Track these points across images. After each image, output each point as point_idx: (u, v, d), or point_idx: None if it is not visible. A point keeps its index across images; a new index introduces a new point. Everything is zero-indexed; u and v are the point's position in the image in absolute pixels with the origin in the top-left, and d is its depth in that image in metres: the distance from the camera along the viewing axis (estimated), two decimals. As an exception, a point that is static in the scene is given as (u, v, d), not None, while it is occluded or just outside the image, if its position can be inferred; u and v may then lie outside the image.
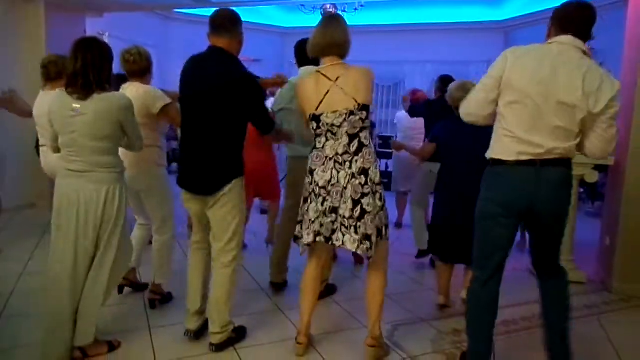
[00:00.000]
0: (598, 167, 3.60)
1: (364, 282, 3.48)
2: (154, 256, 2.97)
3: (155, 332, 2.66)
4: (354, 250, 2.23)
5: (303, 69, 3.08)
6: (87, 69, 2.15)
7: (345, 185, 2.21)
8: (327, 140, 2.27)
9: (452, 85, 2.95)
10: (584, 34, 2.00)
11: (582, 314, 3.07)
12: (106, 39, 6.75)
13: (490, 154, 2.09)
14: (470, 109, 2.13)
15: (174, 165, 8.66)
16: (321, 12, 7.56)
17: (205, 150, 2.32)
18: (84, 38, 2.27)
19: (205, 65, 2.31)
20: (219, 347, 2.45)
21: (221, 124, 2.29)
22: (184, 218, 4.81)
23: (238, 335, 2.56)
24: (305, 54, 3.04)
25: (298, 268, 3.37)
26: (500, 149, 2.03)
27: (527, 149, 1.96)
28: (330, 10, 7.28)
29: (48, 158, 3.21)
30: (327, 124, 2.25)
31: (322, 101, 2.24)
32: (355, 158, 2.23)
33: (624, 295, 3.36)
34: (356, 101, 2.21)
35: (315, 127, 2.30)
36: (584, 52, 1.98)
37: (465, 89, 2.81)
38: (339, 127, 2.23)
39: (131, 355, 2.42)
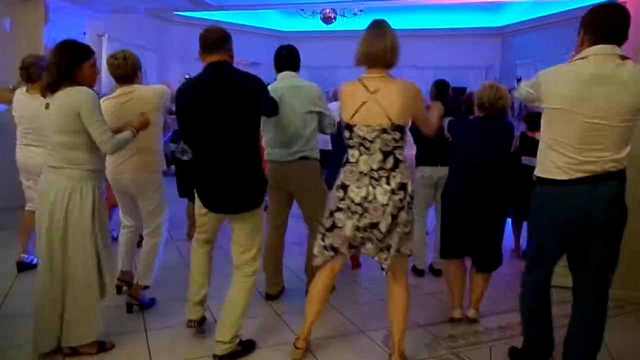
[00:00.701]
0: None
1: (364, 287, 3.49)
2: (142, 257, 2.94)
3: (151, 334, 2.65)
4: (374, 255, 2.24)
5: (280, 74, 3.10)
6: (50, 69, 2.26)
7: (386, 203, 2.15)
8: (360, 154, 2.22)
9: (484, 84, 2.90)
10: (619, 38, 1.93)
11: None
12: (105, 41, 6.76)
13: (539, 172, 2.07)
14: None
15: (172, 167, 8.64)
16: (320, 17, 7.59)
17: (242, 165, 2.28)
18: (58, 42, 2.34)
19: (216, 80, 2.26)
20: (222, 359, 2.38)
21: (244, 134, 2.27)
22: (184, 218, 4.82)
23: (244, 348, 2.49)
24: (282, 60, 3.09)
25: (297, 272, 3.38)
26: (551, 167, 2.00)
27: (579, 166, 1.93)
28: (330, 14, 7.30)
29: (19, 154, 3.38)
30: (359, 136, 2.19)
31: (356, 112, 2.19)
32: (393, 174, 2.18)
33: (620, 301, 3.36)
34: (390, 120, 2.14)
35: (347, 137, 2.25)
36: (622, 57, 1.91)
37: (497, 89, 2.80)
38: (372, 142, 2.17)
39: (127, 357, 2.41)
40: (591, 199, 1.95)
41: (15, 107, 3.38)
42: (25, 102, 3.29)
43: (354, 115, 2.20)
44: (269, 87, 3.03)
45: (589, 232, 2.02)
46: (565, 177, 1.96)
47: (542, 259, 2.19)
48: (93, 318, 2.36)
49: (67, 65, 2.24)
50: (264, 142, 3.14)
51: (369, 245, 2.25)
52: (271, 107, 2.68)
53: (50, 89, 2.25)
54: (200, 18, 7.97)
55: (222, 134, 2.24)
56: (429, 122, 2.40)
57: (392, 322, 2.36)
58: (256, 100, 2.30)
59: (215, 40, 2.30)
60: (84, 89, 2.27)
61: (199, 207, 2.46)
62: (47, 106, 2.28)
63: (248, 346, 2.52)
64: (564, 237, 2.07)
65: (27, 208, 3.54)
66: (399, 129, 2.17)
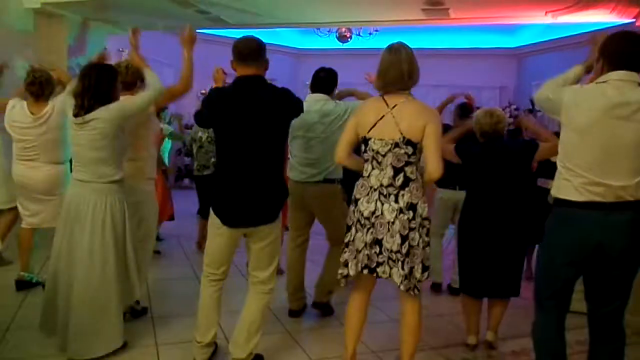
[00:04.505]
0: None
1: (377, 307, 3.43)
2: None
3: (162, 349, 2.65)
4: (398, 284, 2.16)
5: (310, 96, 3.14)
6: (84, 92, 2.43)
7: (392, 220, 2.14)
8: (372, 169, 2.22)
9: (479, 112, 2.89)
10: (638, 66, 1.94)
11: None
12: (125, 56, 6.89)
13: (555, 192, 2.03)
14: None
15: (186, 180, 8.74)
16: (336, 36, 7.68)
17: (265, 178, 2.30)
18: (85, 66, 2.58)
19: (253, 93, 2.27)
20: None
21: (275, 147, 2.32)
22: (193, 235, 4.83)
23: None
24: (318, 82, 3.15)
25: (310, 290, 3.35)
26: (567, 187, 1.96)
27: (594, 188, 1.90)
28: (346, 33, 7.38)
29: (24, 171, 3.30)
30: (373, 150, 2.20)
31: (374, 125, 2.19)
32: (402, 192, 2.16)
33: (637, 328, 3.28)
34: (401, 134, 2.14)
35: (363, 151, 2.26)
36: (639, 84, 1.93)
37: (495, 116, 2.80)
38: (384, 156, 2.18)
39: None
40: (603, 227, 1.91)
41: (13, 121, 3.26)
42: (26, 118, 3.22)
43: (371, 129, 2.20)
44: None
45: (605, 263, 1.96)
46: (579, 198, 1.93)
47: (555, 293, 2.06)
48: (100, 330, 2.41)
49: (106, 88, 2.45)
50: (290, 157, 3.20)
51: (385, 268, 2.19)
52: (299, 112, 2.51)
53: (84, 111, 2.41)
54: (218, 35, 8.12)
55: (254, 148, 2.26)
56: (433, 154, 2.15)
57: (402, 343, 2.33)
58: (289, 116, 2.36)
59: (248, 50, 2.29)
60: (112, 105, 2.45)
61: (214, 227, 2.36)
62: (81, 125, 2.41)
63: None
64: (578, 262, 2.00)
65: (23, 226, 3.44)
66: (411, 144, 2.15)
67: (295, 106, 2.39)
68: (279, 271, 3.89)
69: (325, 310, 3.23)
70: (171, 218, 4.89)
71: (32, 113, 3.22)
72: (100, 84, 2.43)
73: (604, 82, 1.95)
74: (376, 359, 2.70)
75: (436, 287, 3.88)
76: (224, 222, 2.32)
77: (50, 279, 2.51)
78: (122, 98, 2.82)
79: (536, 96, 2.16)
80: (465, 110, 3.94)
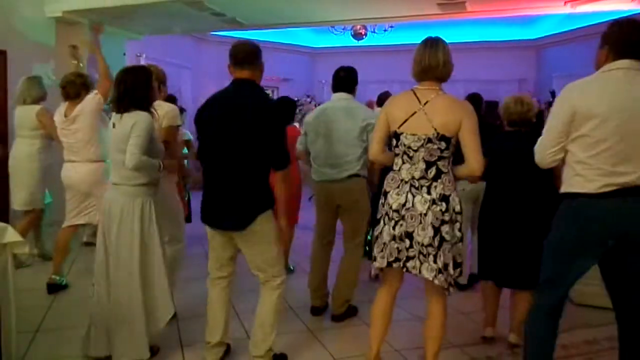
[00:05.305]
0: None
1: (397, 305, 3.39)
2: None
3: (187, 350, 2.68)
4: (431, 279, 2.14)
5: (335, 95, 3.15)
6: (124, 93, 2.45)
7: (424, 212, 2.13)
8: (403, 162, 2.22)
9: (509, 99, 2.83)
10: None
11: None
12: (143, 60, 7.00)
13: (566, 188, 1.98)
14: (543, 157, 2.04)
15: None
16: (351, 33, 7.66)
17: (236, 183, 2.27)
18: (126, 68, 2.58)
19: (237, 96, 2.30)
20: None
21: (252, 154, 2.25)
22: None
23: None
24: (338, 82, 3.14)
25: (331, 289, 3.35)
26: (580, 181, 1.92)
27: (611, 179, 1.86)
28: (360, 31, 7.36)
29: (67, 171, 3.46)
30: (404, 145, 2.19)
31: (406, 121, 2.19)
32: (434, 184, 2.15)
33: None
34: (435, 130, 2.13)
35: (394, 145, 2.26)
36: None
37: (525, 103, 2.75)
38: (416, 151, 2.17)
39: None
40: (622, 214, 1.87)
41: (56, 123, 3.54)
42: (61, 120, 3.47)
43: (402, 124, 2.20)
44: (321, 106, 3.17)
45: (626, 249, 1.93)
46: (594, 190, 1.88)
47: (559, 280, 2.05)
48: (139, 332, 2.43)
49: (142, 92, 2.45)
50: (312, 161, 3.20)
51: (415, 263, 2.16)
52: (278, 156, 2.31)
53: (121, 112, 2.45)
54: (232, 37, 8.19)
55: (227, 152, 2.26)
56: (474, 150, 2.14)
57: (427, 341, 2.31)
58: (267, 128, 2.23)
59: (243, 54, 2.33)
60: (143, 113, 2.45)
61: (208, 227, 2.41)
62: (114, 125, 2.47)
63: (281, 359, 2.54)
64: (592, 254, 1.97)
65: (63, 226, 3.54)
66: (445, 139, 2.14)
67: (273, 126, 2.25)
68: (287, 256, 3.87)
69: (347, 316, 3.19)
70: (187, 220, 4.96)
71: (65, 115, 3.44)
72: (136, 89, 2.44)
73: (610, 70, 1.91)
74: (399, 357, 2.69)
75: (460, 287, 3.79)
76: (203, 219, 2.40)
77: (96, 287, 2.53)
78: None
79: (542, 161, 2.05)
80: (475, 101, 3.90)
